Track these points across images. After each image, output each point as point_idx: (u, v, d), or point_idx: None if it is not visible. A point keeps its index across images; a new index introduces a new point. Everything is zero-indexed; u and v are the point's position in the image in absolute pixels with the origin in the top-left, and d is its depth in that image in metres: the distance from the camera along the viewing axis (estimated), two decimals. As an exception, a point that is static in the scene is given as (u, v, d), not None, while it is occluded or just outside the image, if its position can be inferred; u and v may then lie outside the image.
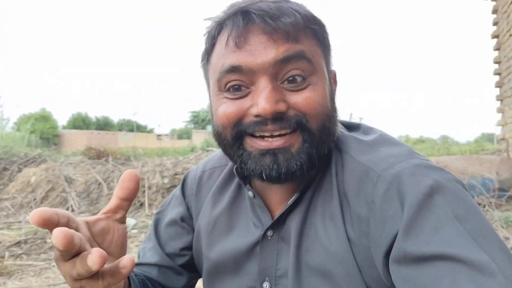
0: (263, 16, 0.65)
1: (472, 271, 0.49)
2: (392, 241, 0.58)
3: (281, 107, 0.66)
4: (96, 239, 0.62)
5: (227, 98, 0.70)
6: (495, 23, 6.84)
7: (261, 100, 0.65)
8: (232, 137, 0.70)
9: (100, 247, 0.62)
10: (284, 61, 0.66)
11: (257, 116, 0.67)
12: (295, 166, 0.67)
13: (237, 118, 0.69)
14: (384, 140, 0.74)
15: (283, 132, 0.67)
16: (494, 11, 6.81)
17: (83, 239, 0.52)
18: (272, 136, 0.68)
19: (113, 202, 0.64)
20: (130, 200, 0.64)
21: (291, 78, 0.67)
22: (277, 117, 0.66)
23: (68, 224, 0.54)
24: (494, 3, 6.82)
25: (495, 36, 6.80)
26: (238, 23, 0.67)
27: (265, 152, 0.68)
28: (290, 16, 0.66)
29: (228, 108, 0.69)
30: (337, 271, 0.67)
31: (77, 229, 0.55)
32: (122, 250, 0.66)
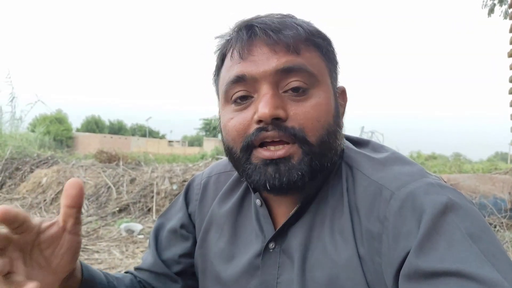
0: (266, 29, 0.69)
1: None
2: (405, 258, 0.58)
3: (280, 113, 0.67)
4: (41, 245, 0.62)
5: (234, 110, 0.72)
6: (511, 42, 6.77)
7: (261, 105, 0.67)
8: (241, 150, 0.71)
9: (42, 254, 0.63)
10: (285, 71, 0.69)
11: (258, 122, 0.68)
12: (296, 176, 0.68)
13: (244, 128, 0.70)
14: (396, 158, 0.74)
15: (284, 139, 0.68)
16: (511, 30, 6.74)
17: (17, 257, 0.57)
18: (274, 144, 0.69)
19: (61, 210, 0.65)
20: (76, 208, 0.64)
21: (294, 87, 0.69)
22: (277, 124, 0.67)
23: (24, 223, 0.57)
24: (511, 21, 6.76)
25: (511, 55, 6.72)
26: (242, 37, 0.71)
27: (268, 162, 0.69)
28: (292, 29, 0.69)
29: (236, 121, 0.71)
30: (346, 286, 0.67)
31: (26, 230, 0.58)
32: (69, 263, 0.66)
